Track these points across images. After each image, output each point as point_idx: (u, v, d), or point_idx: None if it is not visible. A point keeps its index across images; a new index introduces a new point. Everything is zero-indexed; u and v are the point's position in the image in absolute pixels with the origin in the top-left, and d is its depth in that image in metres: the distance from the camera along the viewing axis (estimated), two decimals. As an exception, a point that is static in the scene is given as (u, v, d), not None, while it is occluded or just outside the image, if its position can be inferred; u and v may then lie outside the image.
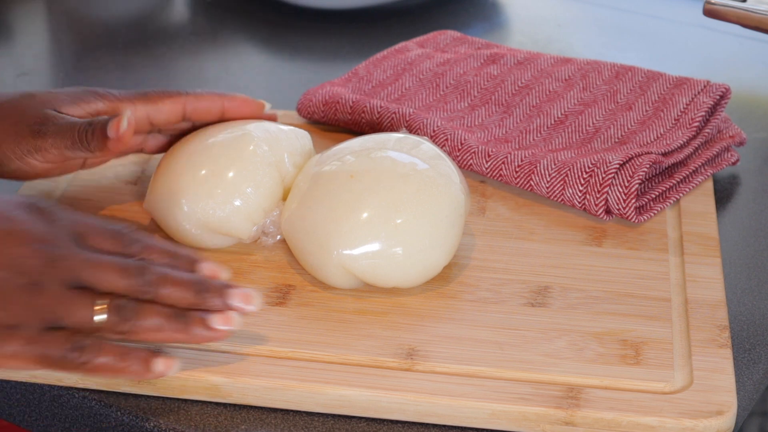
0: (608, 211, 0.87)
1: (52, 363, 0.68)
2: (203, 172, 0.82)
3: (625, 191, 0.85)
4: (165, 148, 0.89)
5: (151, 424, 0.72)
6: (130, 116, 0.79)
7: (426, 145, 0.82)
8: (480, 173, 0.91)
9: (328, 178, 0.79)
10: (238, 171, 0.82)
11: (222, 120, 0.87)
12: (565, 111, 0.97)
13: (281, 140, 0.84)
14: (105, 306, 0.68)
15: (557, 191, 0.88)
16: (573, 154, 0.90)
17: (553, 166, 0.88)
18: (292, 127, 0.87)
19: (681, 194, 0.89)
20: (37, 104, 0.82)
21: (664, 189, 0.89)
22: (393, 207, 0.77)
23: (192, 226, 0.82)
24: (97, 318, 0.68)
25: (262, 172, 0.82)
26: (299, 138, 0.86)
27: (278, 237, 0.83)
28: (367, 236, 0.77)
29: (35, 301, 0.67)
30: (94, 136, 0.80)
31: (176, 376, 0.72)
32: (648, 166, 0.87)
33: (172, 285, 0.70)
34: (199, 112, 0.86)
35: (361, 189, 0.78)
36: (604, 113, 0.96)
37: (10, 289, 0.67)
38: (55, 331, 0.68)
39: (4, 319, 0.67)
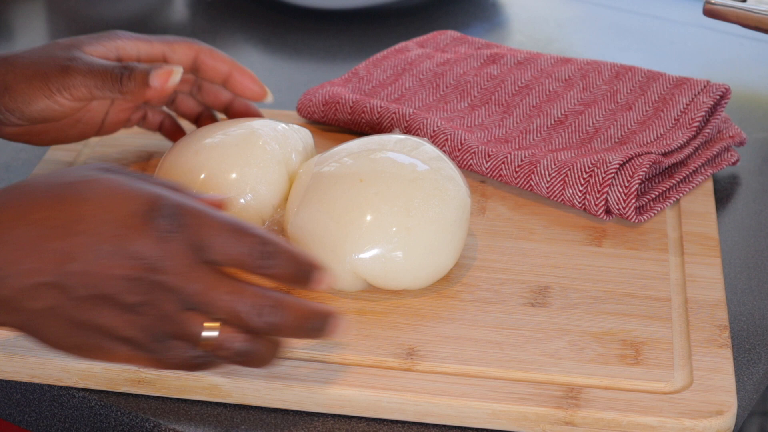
0: (608, 211, 0.87)
1: (168, 368, 0.67)
2: (214, 170, 0.82)
3: (625, 191, 0.85)
4: (159, 128, 0.93)
5: (151, 424, 0.72)
6: (179, 71, 0.84)
7: (427, 146, 0.82)
8: (480, 173, 0.91)
9: (335, 181, 0.79)
10: (250, 168, 0.82)
11: (224, 85, 0.90)
12: (565, 111, 0.97)
13: (288, 138, 0.85)
14: (215, 327, 0.65)
15: (557, 191, 0.88)
16: (573, 154, 0.90)
17: (553, 166, 0.88)
18: (295, 126, 0.87)
19: (681, 194, 0.89)
20: (62, 46, 0.85)
21: (664, 189, 0.89)
22: (405, 211, 0.78)
23: None
24: (205, 335, 0.65)
25: (272, 169, 0.83)
26: (303, 137, 0.87)
27: None
28: (380, 241, 0.77)
29: (143, 321, 0.65)
30: (132, 80, 0.83)
31: (176, 375, 0.72)
32: (648, 166, 0.87)
33: (284, 325, 0.65)
34: (208, 67, 0.89)
35: (372, 194, 0.78)
36: (604, 113, 0.96)
37: (118, 308, 0.64)
38: (168, 341, 0.65)
39: (113, 332, 0.65)
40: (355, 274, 0.78)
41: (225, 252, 0.64)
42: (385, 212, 0.77)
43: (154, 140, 0.96)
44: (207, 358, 0.66)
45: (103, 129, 0.90)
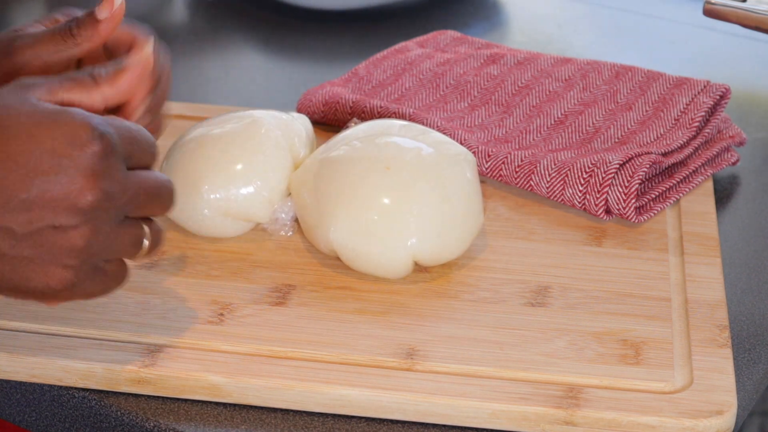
0: (608, 211, 0.87)
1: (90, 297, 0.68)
2: (222, 159, 0.83)
3: (625, 191, 0.85)
4: None
5: (151, 424, 0.72)
6: None
7: (435, 133, 0.84)
8: (480, 173, 0.91)
9: (364, 175, 0.80)
10: (256, 157, 0.83)
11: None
12: (565, 111, 0.97)
13: (289, 124, 0.86)
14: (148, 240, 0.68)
15: (557, 191, 0.88)
16: (573, 154, 0.90)
17: (553, 166, 0.88)
18: (294, 113, 0.89)
19: (681, 194, 0.89)
20: None
21: (664, 189, 0.89)
22: (441, 187, 0.79)
23: (213, 214, 0.82)
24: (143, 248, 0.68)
25: (277, 155, 0.83)
26: (303, 122, 0.88)
27: (290, 233, 0.84)
28: (430, 225, 0.79)
29: (82, 243, 0.65)
30: (82, 25, 0.77)
31: (176, 375, 0.72)
32: (648, 166, 0.87)
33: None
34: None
35: (405, 179, 0.79)
36: (604, 113, 0.96)
37: (57, 235, 0.64)
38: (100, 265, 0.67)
39: (55, 260, 0.65)
40: (410, 260, 0.79)
41: (143, 160, 0.67)
42: (426, 191, 0.79)
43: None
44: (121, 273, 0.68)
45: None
